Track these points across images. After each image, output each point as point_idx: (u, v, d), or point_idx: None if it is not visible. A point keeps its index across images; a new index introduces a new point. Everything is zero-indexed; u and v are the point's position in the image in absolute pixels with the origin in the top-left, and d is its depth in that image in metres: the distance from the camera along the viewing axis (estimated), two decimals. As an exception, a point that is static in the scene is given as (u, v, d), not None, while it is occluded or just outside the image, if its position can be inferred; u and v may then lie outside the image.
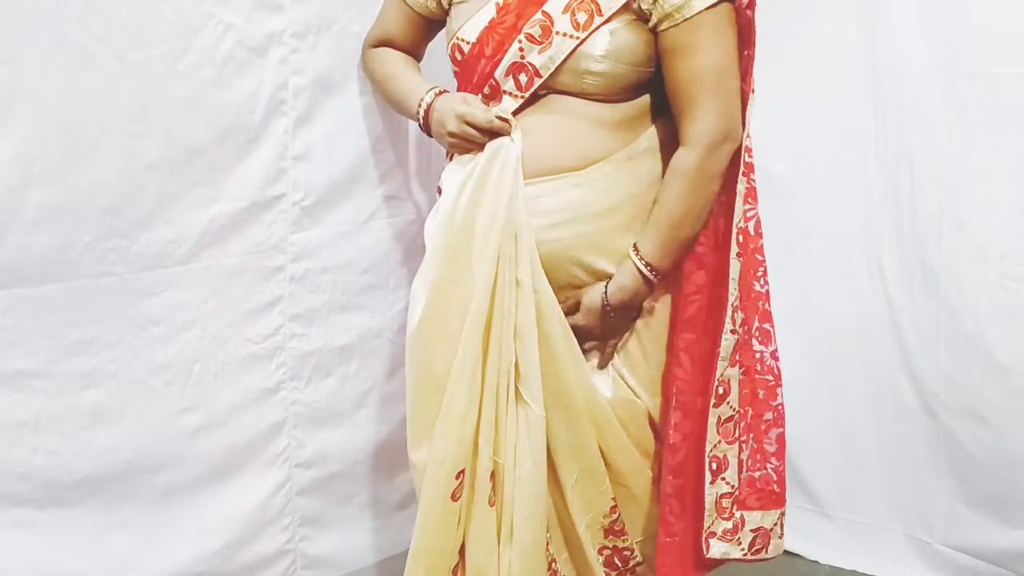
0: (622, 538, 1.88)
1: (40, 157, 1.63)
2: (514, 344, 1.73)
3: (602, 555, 1.88)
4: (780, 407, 1.87)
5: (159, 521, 1.85)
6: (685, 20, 1.67)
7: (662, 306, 1.84)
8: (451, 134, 1.78)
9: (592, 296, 1.78)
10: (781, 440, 1.88)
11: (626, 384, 1.83)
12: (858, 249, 2.41)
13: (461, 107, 1.76)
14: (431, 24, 1.93)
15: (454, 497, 1.75)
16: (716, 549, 1.85)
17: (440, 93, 1.82)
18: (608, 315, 1.77)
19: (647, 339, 1.84)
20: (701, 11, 1.67)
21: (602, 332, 1.80)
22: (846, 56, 2.36)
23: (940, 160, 2.24)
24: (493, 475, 1.77)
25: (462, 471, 1.75)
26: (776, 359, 1.86)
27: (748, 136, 1.76)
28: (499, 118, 1.73)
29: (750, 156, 1.78)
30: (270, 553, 2.04)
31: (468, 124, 1.75)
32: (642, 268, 1.75)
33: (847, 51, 2.36)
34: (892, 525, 2.45)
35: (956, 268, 2.25)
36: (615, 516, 1.86)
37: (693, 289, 1.80)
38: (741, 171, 1.76)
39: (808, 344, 2.47)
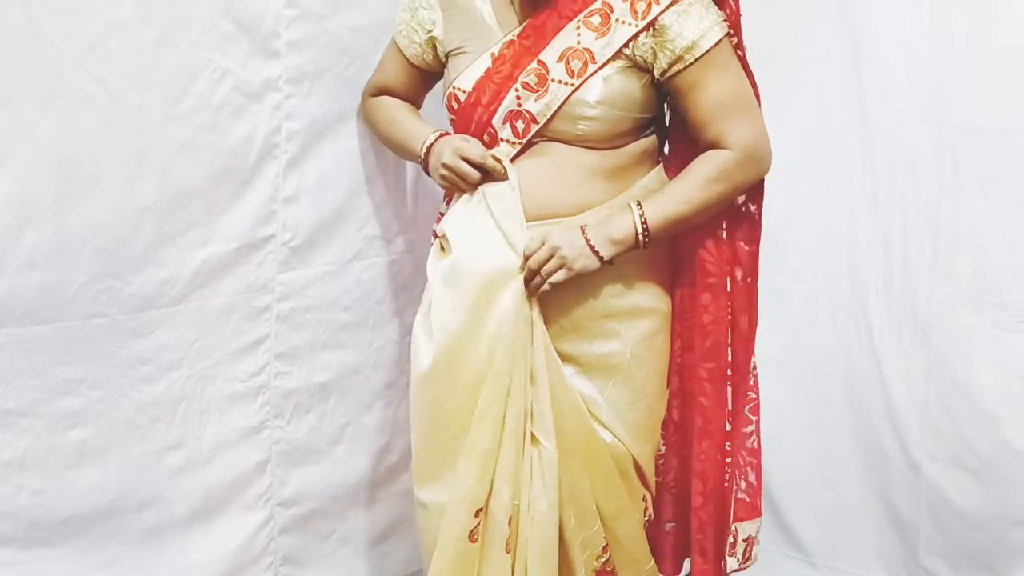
0: None
1: (36, 197, 1.64)
2: (530, 385, 1.75)
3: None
4: (758, 420, 1.94)
5: (143, 560, 1.85)
6: (696, 60, 1.73)
7: (647, 352, 1.86)
8: (444, 165, 1.80)
9: (566, 227, 1.74)
10: (758, 452, 1.95)
11: (611, 432, 1.85)
12: (844, 297, 2.42)
13: (458, 142, 1.80)
14: (428, 75, 1.96)
15: (472, 538, 1.75)
16: (727, 565, 1.92)
17: (443, 135, 1.86)
18: (579, 237, 1.73)
19: (631, 387, 1.86)
20: (709, 49, 1.72)
21: (553, 263, 1.72)
22: (833, 105, 2.39)
23: (933, 209, 2.25)
24: (511, 520, 1.77)
25: (480, 510, 1.75)
26: (755, 375, 1.93)
27: None
28: (494, 157, 1.77)
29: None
30: (252, 593, 2.04)
31: (462, 158, 1.78)
32: (637, 218, 1.74)
33: (835, 101, 2.38)
34: (878, 575, 2.45)
35: (948, 317, 2.26)
36: (607, 556, 1.88)
37: (711, 319, 1.85)
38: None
39: (793, 391, 2.48)
